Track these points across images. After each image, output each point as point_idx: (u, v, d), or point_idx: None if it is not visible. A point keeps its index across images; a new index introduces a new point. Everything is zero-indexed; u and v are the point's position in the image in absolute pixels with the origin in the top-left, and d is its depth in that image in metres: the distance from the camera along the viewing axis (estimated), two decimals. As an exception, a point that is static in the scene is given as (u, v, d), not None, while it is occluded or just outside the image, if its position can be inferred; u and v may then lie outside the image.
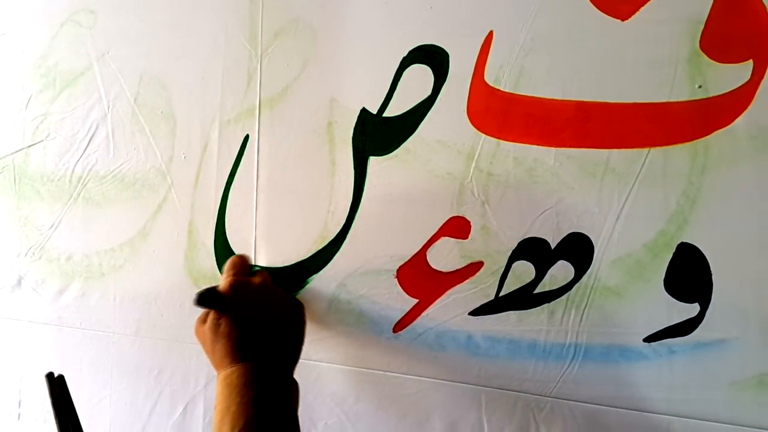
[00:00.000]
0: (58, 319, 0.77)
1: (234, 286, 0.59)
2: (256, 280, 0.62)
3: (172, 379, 0.73)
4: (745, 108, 0.53)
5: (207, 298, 0.58)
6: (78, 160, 0.75)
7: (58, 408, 0.61)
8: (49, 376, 0.62)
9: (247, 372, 0.54)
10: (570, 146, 0.57)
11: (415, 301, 0.63)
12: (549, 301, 0.59)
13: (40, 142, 0.77)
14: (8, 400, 0.81)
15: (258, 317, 0.58)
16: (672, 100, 0.55)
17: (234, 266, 0.62)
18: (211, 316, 0.58)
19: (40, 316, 0.78)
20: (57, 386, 0.62)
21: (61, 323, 0.77)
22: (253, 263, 0.67)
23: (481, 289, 0.61)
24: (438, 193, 0.62)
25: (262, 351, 0.56)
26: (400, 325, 0.64)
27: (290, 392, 0.56)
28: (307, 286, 0.66)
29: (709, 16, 0.54)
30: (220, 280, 0.62)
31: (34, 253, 0.78)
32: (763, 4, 0.53)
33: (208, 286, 0.61)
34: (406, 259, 0.63)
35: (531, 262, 0.60)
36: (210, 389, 0.71)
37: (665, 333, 0.56)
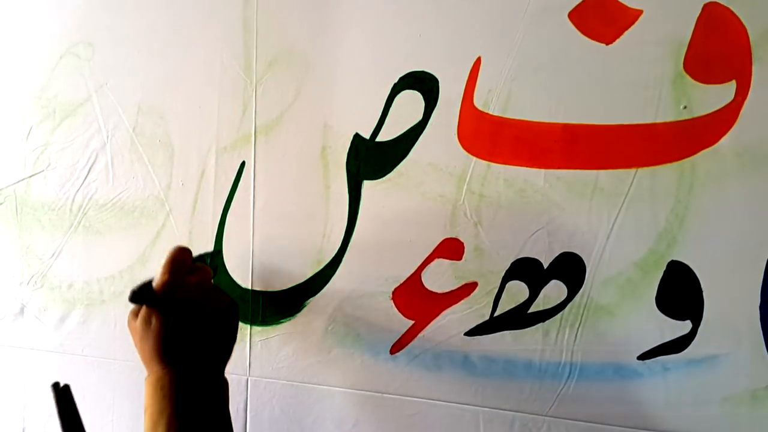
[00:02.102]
0: (60, 346, 0.78)
1: (168, 283, 0.57)
2: (194, 279, 0.60)
3: (172, 404, 0.73)
4: (729, 127, 0.54)
5: (140, 295, 0.58)
6: (78, 190, 0.76)
7: (64, 418, 0.60)
8: (55, 386, 0.62)
9: (179, 376, 0.54)
10: (559, 167, 0.58)
11: (411, 322, 0.64)
12: (543, 321, 0.60)
13: (40, 172, 0.78)
14: (12, 428, 0.82)
15: (189, 318, 0.57)
16: (658, 120, 0.56)
17: (172, 262, 0.59)
18: (143, 311, 0.57)
19: (42, 343, 0.79)
20: (63, 396, 0.61)
21: (63, 350, 0.78)
22: (194, 255, 0.64)
23: (475, 309, 0.62)
24: (431, 215, 0.63)
25: (191, 353, 0.56)
26: (397, 347, 0.64)
27: (222, 394, 0.57)
28: (304, 309, 0.67)
29: (691, 38, 0.55)
30: (157, 275, 0.59)
31: (36, 282, 0.79)
32: (744, 25, 0.54)
33: (143, 281, 0.59)
34: (402, 281, 0.64)
35: (524, 282, 0.60)
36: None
37: (659, 350, 0.57)
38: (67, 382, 0.63)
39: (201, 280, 0.61)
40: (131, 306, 0.73)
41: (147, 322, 0.56)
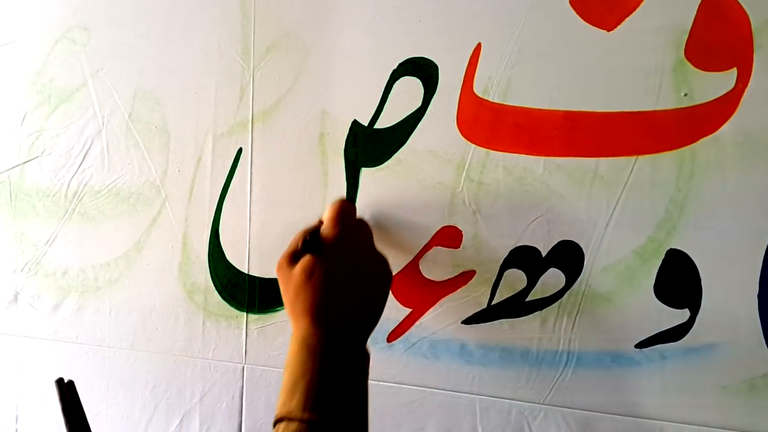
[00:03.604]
0: (55, 333, 0.78)
1: (338, 237, 0.54)
2: (362, 236, 0.57)
3: (167, 392, 0.73)
4: (730, 115, 0.54)
5: (311, 243, 0.54)
6: (73, 176, 0.75)
7: (68, 414, 0.60)
8: (59, 382, 0.61)
9: (328, 339, 0.51)
10: (558, 155, 0.58)
11: (409, 310, 0.64)
12: (541, 309, 0.60)
13: (35, 158, 0.77)
14: (5, 416, 0.81)
15: (352, 279, 0.54)
16: (658, 108, 0.56)
17: (344, 213, 0.56)
18: (307, 261, 0.53)
19: (36, 330, 0.79)
20: (67, 392, 0.61)
21: (57, 338, 0.77)
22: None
23: (473, 297, 0.61)
24: (429, 203, 0.62)
25: (346, 317, 0.53)
26: (394, 335, 0.64)
27: (365, 367, 0.53)
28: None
29: (693, 25, 0.55)
30: (325, 221, 0.56)
31: (30, 269, 0.78)
32: (746, 12, 0.54)
33: (313, 226, 0.57)
34: (399, 269, 0.63)
35: (523, 270, 0.60)
36: (205, 403, 0.71)
37: (656, 339, 0.56)
38: (71, 378, 0.62)
39: (367, 237, 0.58)
40: (128, 294, 0.73)
41: (309, 272, 0.53)
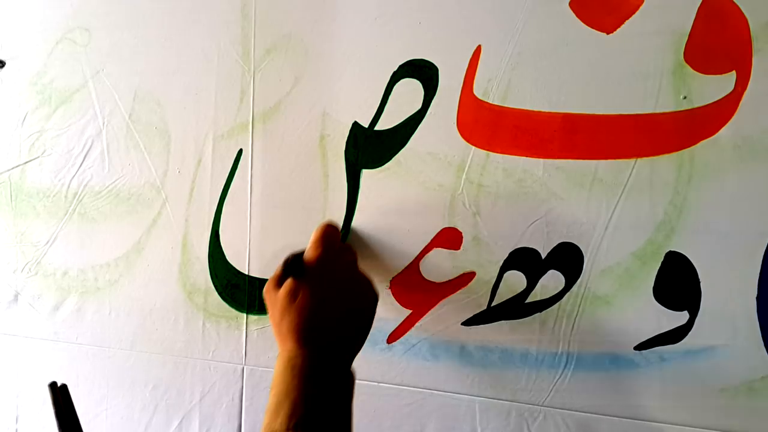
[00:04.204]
0: (54, 334, 0.78)
1: (321, 259, 0.55)
2: (345, 258, 0.59)
3: (167, 393, 0.73)
4: (729, 118, 0.54)
5: (292, 266, 0.55)
6: (73, 176, 0.75)
7: (61, 418, 0.59)
8: (53, 386, 0.61)
9: (312, 359, 0.52)
10: (558, 157, 0.58)
11: (409, 311, 0.64)
12: (540, 311, 0.60)
13: (36, 158, 0.77)
14: (5, 417, 0.81)
15: (335, 300, 0.54)
16: (657, 111, 0.56)
17: (327, 237, 0.57)
18: (290, 284, 0.54)
19: (36, 331, 0.79)
20: (60, 396, 0.61)
21: (57, 338, 0.77)
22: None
23: (473, 299, 0.62)
24: (430, 204, 0.62)
25: (330, 337, 0.53)
26: (394, 336, 0.64)
27: (350, 387, 0.54)
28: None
29: (692, 28, 0.55)
30: (309, 244, 0.58)
31: (30, 269, 0.78)
32: (744, 16, 0.54)
33: (295, 252, 0.58)
34: (400, 270, 0.64)
35: (522, 272, 0.60)
36: (205, 404, 0.71)
37: (655, 341, 0.57)
38: (65, 382, 0.62)
39: (351, 261, 0.59)
40: (128, 295, 0.73)
41: (293, 295, 0.54)
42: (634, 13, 0.56)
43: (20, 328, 0.80)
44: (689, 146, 0.55)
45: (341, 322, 0.54)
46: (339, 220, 0.65)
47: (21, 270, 0.79)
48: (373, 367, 0.65)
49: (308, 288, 0.54)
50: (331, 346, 0.53)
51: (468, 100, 0.61)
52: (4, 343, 0.81)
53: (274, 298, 0.56)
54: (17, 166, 0.78)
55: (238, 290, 0.69)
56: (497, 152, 0.60)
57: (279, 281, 0.56)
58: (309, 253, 0.56)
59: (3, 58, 0.78)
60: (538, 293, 0.60)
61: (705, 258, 0.55)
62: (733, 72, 0.54)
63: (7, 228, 0.79)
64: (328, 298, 0.54)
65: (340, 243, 0.60)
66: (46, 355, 0.78)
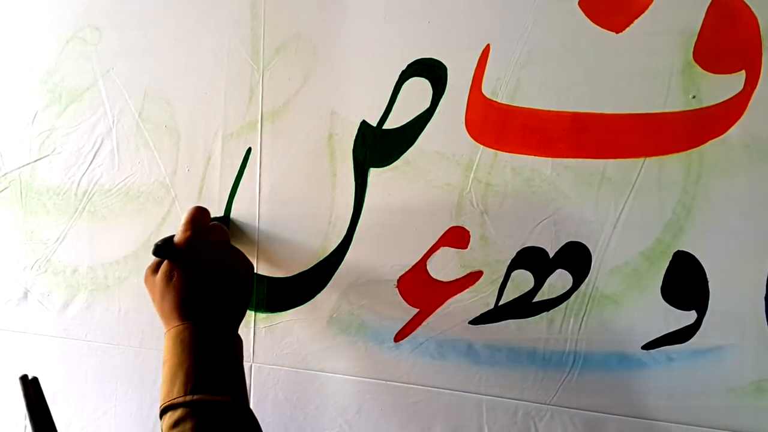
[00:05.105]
0: (64, 331, 0.78)
1: (190, 239, 0.59)
2: (214, 236, 0.62)
3: (176, 389, 0.73)
4: (738, 117, 0.54)
5: (164, 249, 0.59)
6: (83, 174, 0.76)
7: (33, 412, 0.60)
8: (23, 379, 0.61)
9: (198, 330, 0.55)
10: (566, 156, 0.58)
11: (416, 310, 0.64)
12: (548, 310, 0.60)
13: (46, 156, 0.78)
14: (15, 413, 0.82)
15: (209, 274, 0.58)
16: (666, 110, 0.56)
17: (193, 220, 0.61)
18: (164, 266, 0.59)
19: (46, 328, 0.79)
20: (32, 388, 0.61)
21: (67, 335, 0.78)
22: (212, 216, 0.67)
23: (480, 298, 0.62)
24: (437, 203, 0.63)
25: (211, 308, 0.57)
26: (401, 335, 0.65)
27: (238, 350, 0.58)
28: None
29: (701, 27, 0.55)
30: (179, 227, 0.61)
31: (40, 266, 0.79)
32: (754, 15, 0.54)
33: (165, 237, 0.61)
34: (407, 269, 0.64)
35: (530, 271, 0.60)
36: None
37: (663, 340, 0.57)
38: (36, 375, 0.63)
39: (220, 239, 0.63)
40: (137, 293, 0.73)
41: (168, 276, 0.58)
42: (643, 12, 0.56)
43: (30, 326, 0.80)
44: (698, 146, 0.55)
45: (219, 292, 0.58)
46: (346, 220, 0.65)
47: (31, 267, 0.79)
48: (380, 366, 0.65)
49: (182, 267, 0.58)
50: (213, 316, 0.57)
51: (476, 99, 0.61)
52: (13, 340, 0.81)
53: (153, 283, 0.59)
54: (27, 164, 0.79)
55: (246, 288, 0.69)
56: (505, 151, 0.60)
57: (155, 268, 0.60)
58: (179, 236, 0.60)
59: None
60: (546, 292, 0.60)
61: (713, 258, 0.55)
62: (743, 71, 0.54)
63: (17, 225, 0.80)
64: (203, 273, 0.58)
65: (208, 224, 0.63)
66: (55, 353, 0.79)
